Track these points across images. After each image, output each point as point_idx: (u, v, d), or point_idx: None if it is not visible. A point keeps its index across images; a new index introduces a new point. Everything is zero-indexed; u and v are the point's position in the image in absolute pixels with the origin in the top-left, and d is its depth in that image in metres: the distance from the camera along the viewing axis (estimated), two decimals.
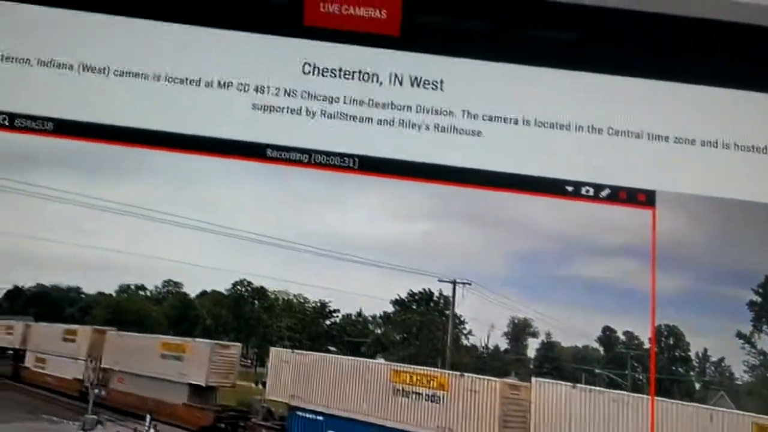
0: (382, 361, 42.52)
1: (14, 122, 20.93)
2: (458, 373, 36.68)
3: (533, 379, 32.13)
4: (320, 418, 37.01)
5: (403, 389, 35.93)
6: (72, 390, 51.72)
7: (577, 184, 21.96)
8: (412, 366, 39.97)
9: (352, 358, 45.66)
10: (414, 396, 35.10)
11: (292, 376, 41.27)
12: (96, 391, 39.07)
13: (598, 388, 31.73)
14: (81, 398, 48.37)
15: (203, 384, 44.44)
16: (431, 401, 34.43)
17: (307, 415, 39.29)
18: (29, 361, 58.64)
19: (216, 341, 46.78)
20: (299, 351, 45.34)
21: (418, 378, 35.97)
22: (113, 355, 45.63)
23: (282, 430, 39.13)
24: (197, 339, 48.31)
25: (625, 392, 31.42)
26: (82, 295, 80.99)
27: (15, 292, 79.53)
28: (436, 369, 39.93)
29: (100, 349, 51.35)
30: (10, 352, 60.85)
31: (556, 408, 28.66)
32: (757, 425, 27.28)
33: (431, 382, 35.28)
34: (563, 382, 31.37)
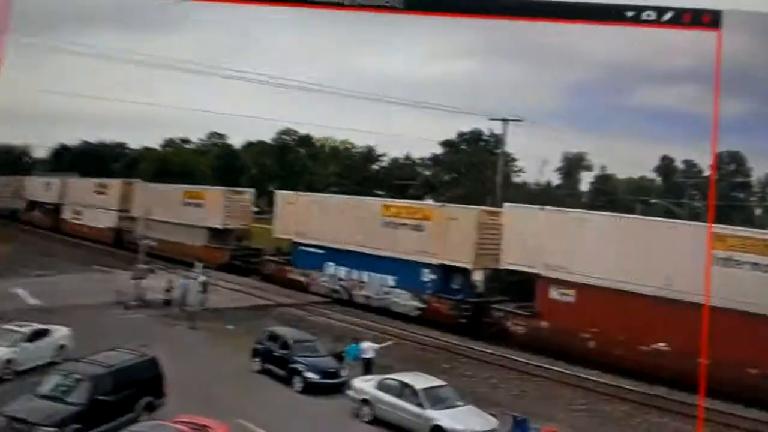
0: (375, 199, 43.50)
1: None
2: (440, 204, 38.00)
3: (505, 205, 34.01)
4: (321, 251, 39.05)
5: (392, 221, 37.11)
6: (106, 238, 54.63)
7: (639, 9, 20.65)
8: (401, 200, 41.91)
9: (349, 196, 47.58)
10: (401, 227, 36.50)
11: (296, 215, 42.37)
12: (145, 241, 39.40)
13: (561, 209, 32.81)
14: (120, 245, 51.43)
15: (220, 226, 46.31)
16: (416, 230, 35.62)
17: (309, 249, 40.43)
18: (67, 214, 61.52)
19: (229, 188, 48.34)
20: (302, 193, 46.80)
21: (405, 211, 37.13)
22: (142, 206, 46.64)
23: (288, 263, 41.27)
24: (213, 187, 49.61)
25: (590, 212, 32.46)
26: (127, 151, 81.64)
27: (61, 150, 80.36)
28: (421, 202, 42.37)
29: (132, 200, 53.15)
30: (50, 206, 63.85)
31: (523, 227, 31.00)
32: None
33: (416, 214, 36.46)
34: (530, 206, 33.02)
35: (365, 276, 37.97)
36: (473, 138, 67.86)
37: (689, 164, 71.45)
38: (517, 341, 31.07)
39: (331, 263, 39.84)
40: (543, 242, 30.60)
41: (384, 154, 76.14)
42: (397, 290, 36.26)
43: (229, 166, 75.01)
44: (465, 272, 34.63)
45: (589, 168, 71.54)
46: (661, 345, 26.85)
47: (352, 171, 72.76)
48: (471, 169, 61.46)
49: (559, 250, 30.23)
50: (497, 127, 52.13)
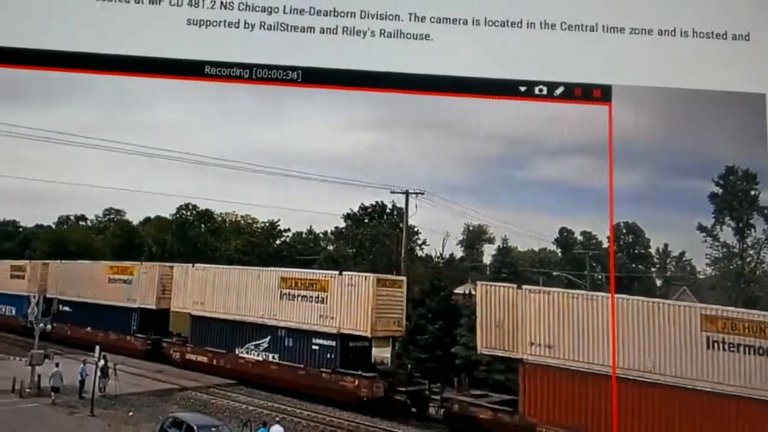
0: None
1: None
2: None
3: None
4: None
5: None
6: (16, 326, 50.32)
7: (531, 84, 21.45)
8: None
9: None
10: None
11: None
12: (41, 325, 38.34)
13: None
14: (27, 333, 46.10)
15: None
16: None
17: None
18: None
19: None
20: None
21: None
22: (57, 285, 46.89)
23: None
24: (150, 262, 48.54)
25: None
26: (20, 229, 79.26)
27: None
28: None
29: (45, 281, 50.77)
30: None
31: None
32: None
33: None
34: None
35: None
36: (377, 211, 68.42)
37: (588, 236, 73.19)
38: None
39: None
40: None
41: (287, 229, 76.01)
42: None
43: (128, 243, 73.66)
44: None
45: (491, 240, 72.59)
46: None
47: (254, 246, 72.31)
48: (375, 243, 61.95)
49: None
50: (400, 201, 52.84)
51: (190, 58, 19.45)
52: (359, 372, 34.02)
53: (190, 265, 45.24)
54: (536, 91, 19.54)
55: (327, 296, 36.10)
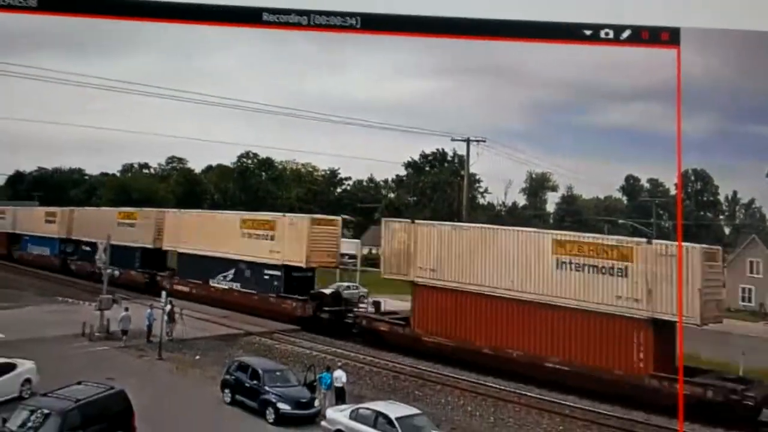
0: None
1: None
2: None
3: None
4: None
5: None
6: (53, 265, 56.93)
7: (596, 27, 20.85)
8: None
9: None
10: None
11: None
12: (109, 271, 39.43)
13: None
14: (67, 272, 55.05)
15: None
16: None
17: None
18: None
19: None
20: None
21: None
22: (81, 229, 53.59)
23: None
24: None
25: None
26: (86, 177, 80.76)
27: (17, 178, 79.06)
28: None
29: (71, 225, 56.68)
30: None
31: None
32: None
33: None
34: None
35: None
36: (437, 159, 68.06)
37: (655, 183, 71.91)
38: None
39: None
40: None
41: (348, 178, 76.09)
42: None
43: (191, 191, 74.54)
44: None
45: (554, 188, 71.89)
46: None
47: (315, 195, 72.60)
48: (436, 191, 61.62)
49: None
50: (461, 148, 52.45)
51: (249, 5, 19.23)
52: (296, 296, 40.53)
53: (178, 210, 52.28)
54: (602, 35, 18.96)
55: (275, 234, 42.65)
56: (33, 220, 61.64)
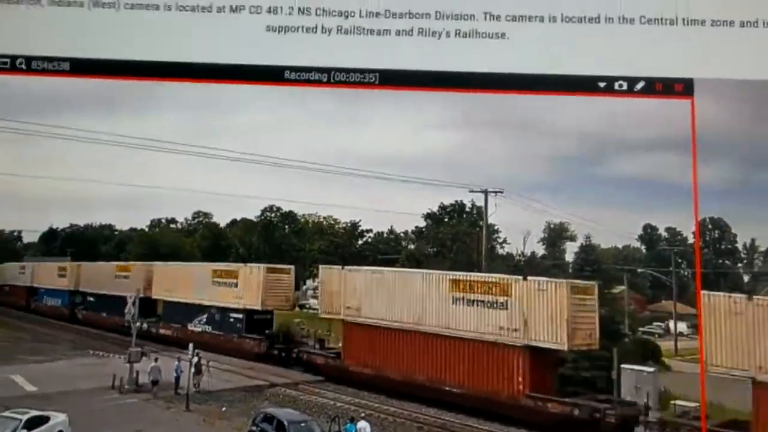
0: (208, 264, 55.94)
1: (31, 65, 20.61)
2: (243, 264, 52.45)
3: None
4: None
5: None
6: (62, 315, 63.26)
7: (610, 79, 21.30)
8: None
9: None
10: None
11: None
12: (137, 324, 40.54)
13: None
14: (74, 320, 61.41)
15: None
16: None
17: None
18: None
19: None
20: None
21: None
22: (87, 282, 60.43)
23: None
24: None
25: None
26: (116, 232, 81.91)
27: (50, 234, 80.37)
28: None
29: (79, 279, 62.97)
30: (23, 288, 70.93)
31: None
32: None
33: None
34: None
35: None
36: (456, 210, 68.62)
37: (673, 232, 71.98)
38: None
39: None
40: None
41: (369, 230, 76.50)
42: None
43: (216, 245, 75.35)
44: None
45: (572, 238, 71.97)
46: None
47: (337, 247, 72.96)
48: (455, 242, 62.04)
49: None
50: (479, 200, 52.95)
51: (271, 64, 19.80)
52: (254, 335, 47.37)
53: (164, 263, 57.68)
54: (616, 87, 19.35)
55: (238, 282, 49.14)
56: (47, 274, 66.69)
